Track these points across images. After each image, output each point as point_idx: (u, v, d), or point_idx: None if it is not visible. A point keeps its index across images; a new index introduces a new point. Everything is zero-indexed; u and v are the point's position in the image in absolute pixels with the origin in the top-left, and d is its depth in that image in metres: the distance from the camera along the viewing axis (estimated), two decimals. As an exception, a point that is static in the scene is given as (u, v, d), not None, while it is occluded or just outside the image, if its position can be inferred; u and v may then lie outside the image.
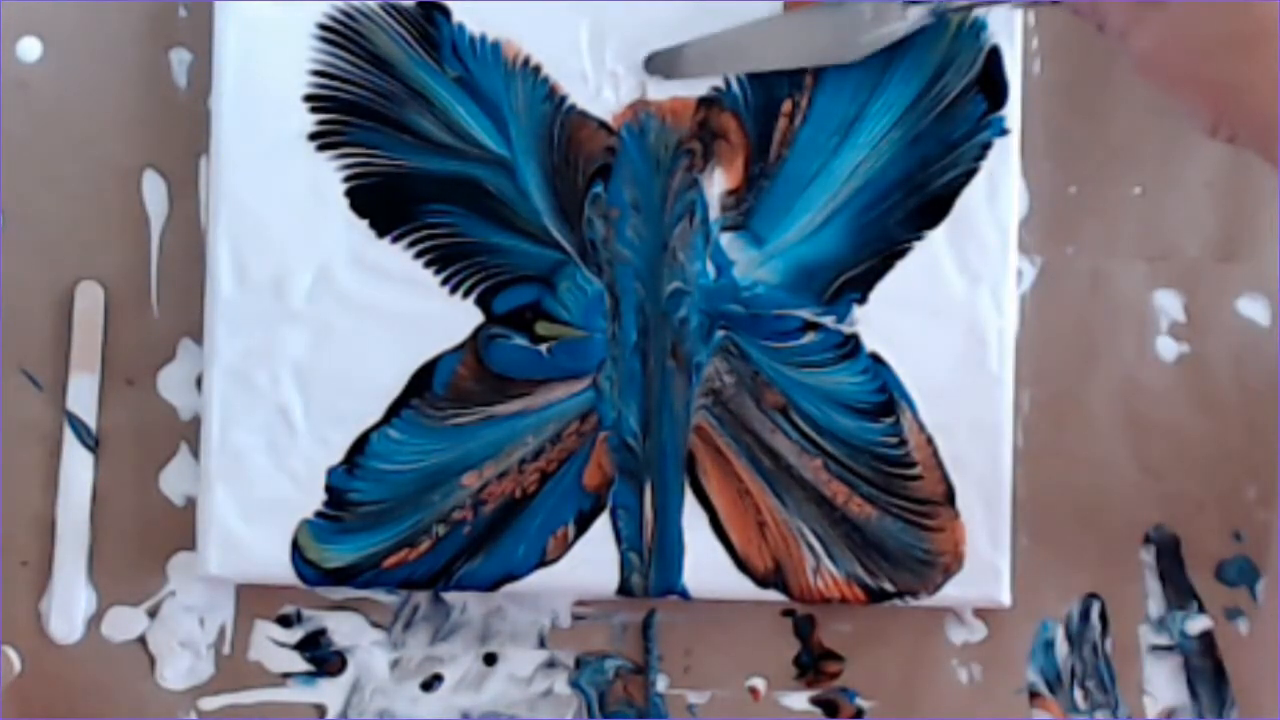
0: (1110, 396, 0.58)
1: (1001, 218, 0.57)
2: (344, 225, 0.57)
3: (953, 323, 0.57)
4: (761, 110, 0.57)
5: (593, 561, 0.57)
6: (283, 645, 0.59)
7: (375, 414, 0.57)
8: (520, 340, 0.57)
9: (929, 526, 0.57)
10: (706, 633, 0.59)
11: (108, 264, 0.59)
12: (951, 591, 0.57)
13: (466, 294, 0.57)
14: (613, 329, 0.57)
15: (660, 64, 0.56)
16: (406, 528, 0.57)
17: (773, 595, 0.57)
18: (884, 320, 0.57)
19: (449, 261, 0.57)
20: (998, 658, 0.58)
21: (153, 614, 0.59)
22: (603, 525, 0.57)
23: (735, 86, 0.57)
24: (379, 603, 0.59)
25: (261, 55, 0.57)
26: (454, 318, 0.57)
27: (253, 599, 0.59)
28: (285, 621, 0.59)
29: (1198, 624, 0.58)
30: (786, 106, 0.57)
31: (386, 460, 0.57)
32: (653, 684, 0.59)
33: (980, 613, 0.58)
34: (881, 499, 0.57)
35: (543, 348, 0.57)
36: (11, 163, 0.59)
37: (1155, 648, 0.58)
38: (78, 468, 0.59)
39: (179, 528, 0.58)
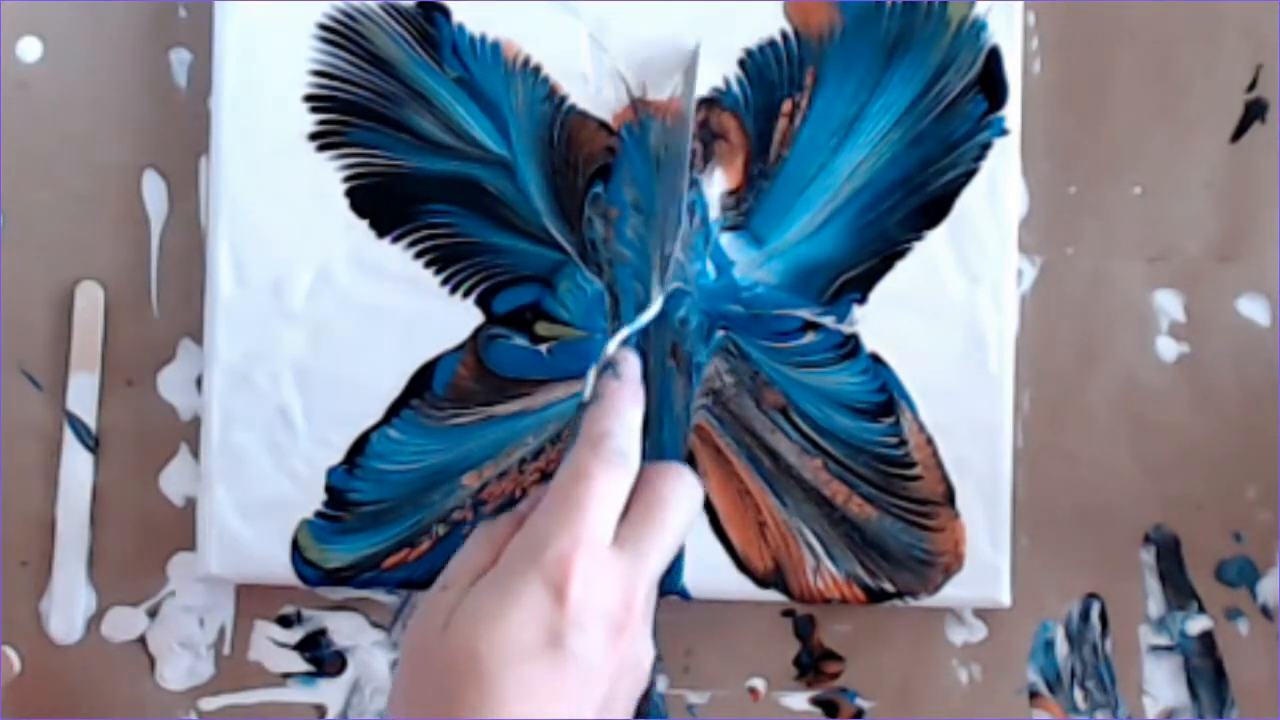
0: (1110, 396, 0.58)
1: (1001, 218, 0.57)
2: (344, 225, 0.57)
3: (953, 323, 0.57)
4: (761, 110, 0.57)
5: (593, 561, 0.57)
6: (283, 645, 0.59)
7: (375, 414, 0.57)
8: (520, 340, 0.57)
9: (929, 526, 0.57)
10: (706, 633, 0.59)
11: (108, 264, 0.59)
12: (951, 591, 0.57)
13: (466, 294, 0.57)
14: (613, 329, 0.57)
15: None
16: (406, 528, 0.57)
17: (773, 595, 0.57)
18: (884, 320, 0.57)
19: (449, 261, 0.57)
20: (998, 658, 0.58)
21: (153, 614, 0.59)
22: (603, 525, 0.57)
23: (735, 86, 0.57)
24: (379, 603, 0.59)
25: (261, 55, 0.57)
26: (454, 318, 0.57)
27: (253, 599, 0.59)
28: (285, 621, 0.59)
29: (1198, 624, 0.58)
30: (786, 106, 0.57)
31: (386, 460, 0.57)
32: (653, 684, 0.59)
33: (980, 613, 0.58)
34: (881, 499, 0.57)
35: (543, 348, 0.57)
36: (11, 163, 0.59)
37: (1155, 648, 0.58)
38: (78, 468, 0.59)
39: (179, 528, 0.58)
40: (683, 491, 0.50)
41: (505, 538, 0.48)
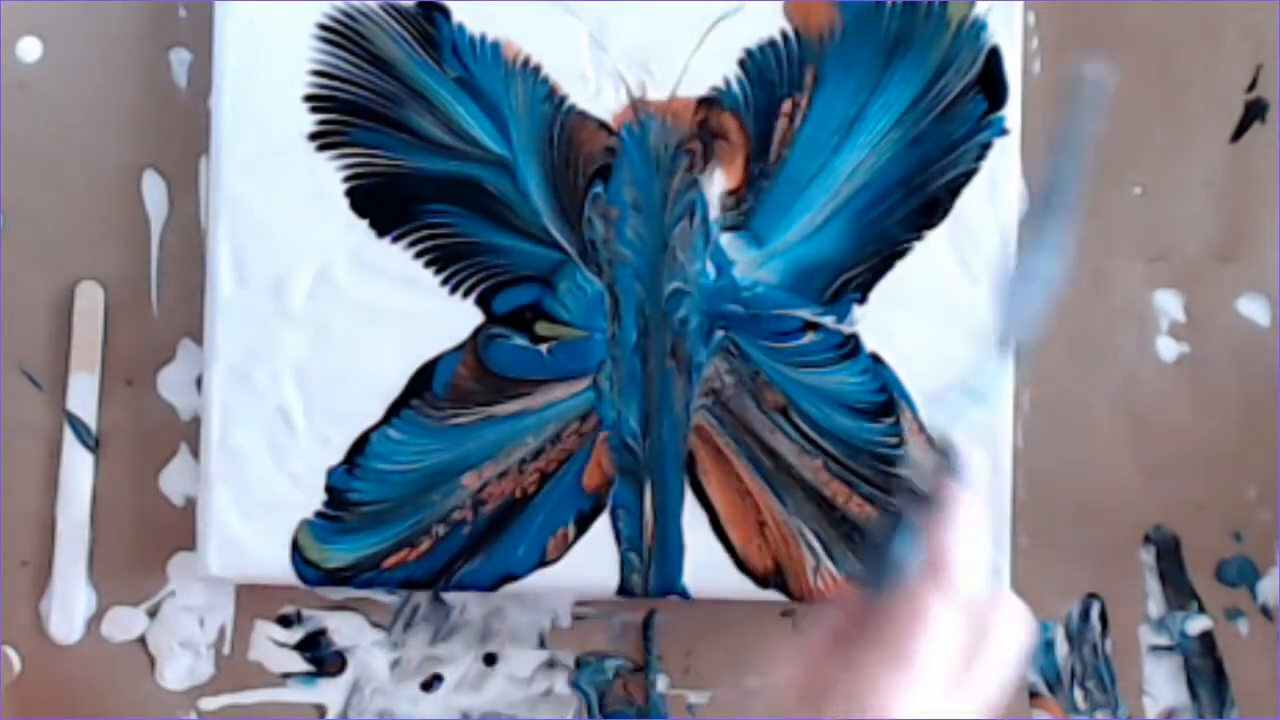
0: (1110, 396, 0.58)
1: (1001, 218, 0.57)
2: (344, 225, 0.57)
3: (953, 323, 0.57)
4: (761, 110, 0.57)
5: (593, 561, 0.57)
6: (283, 645, 0.59)
7: (375, 414, 0.57)
8: (520, 340, 0.57)
9: (929, 526, 0.57)
10: (706, 633, 0.59)
11: (108, 264, 0.59)
12: (951, 591, 0.57)
13: (466, 294, 0.57)
14: (613, 329, 0.57)
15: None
16: (406, 528, 0.57)
17: (773, 595, 0.57)
18: (884, 320, 0.57)
19: (449, 261, 0.57)
20: (998, 658, 0.58)
21: (153, 614, 0.59)
22: (603, 525, 0.57)
23: (735, 86, 0.57)
24: (379, 603, 0.59)
25: (261, 55, 0.57)
26: (454, 318, 0.57)
27: (253, 599, 0.59)
28: (285, 621, 0.59)
29: (1198, 624, 0.58)
30: (786, 106, 0.57)
31: (386, 460, 0.57)
32: (653, 684, 0.59)
33: (980, 613, 0.58)
34: (881, 499, 0.57)
35: (543, 348, 0.57)
36: (11, 163, 0.59)
37: (1155, 648, 0.58)
38: (78, 468, 0.59)
39: (179, 528, 0.58)
40: (1017, 629, 0.47)
41: (819, 656, 0.46)
